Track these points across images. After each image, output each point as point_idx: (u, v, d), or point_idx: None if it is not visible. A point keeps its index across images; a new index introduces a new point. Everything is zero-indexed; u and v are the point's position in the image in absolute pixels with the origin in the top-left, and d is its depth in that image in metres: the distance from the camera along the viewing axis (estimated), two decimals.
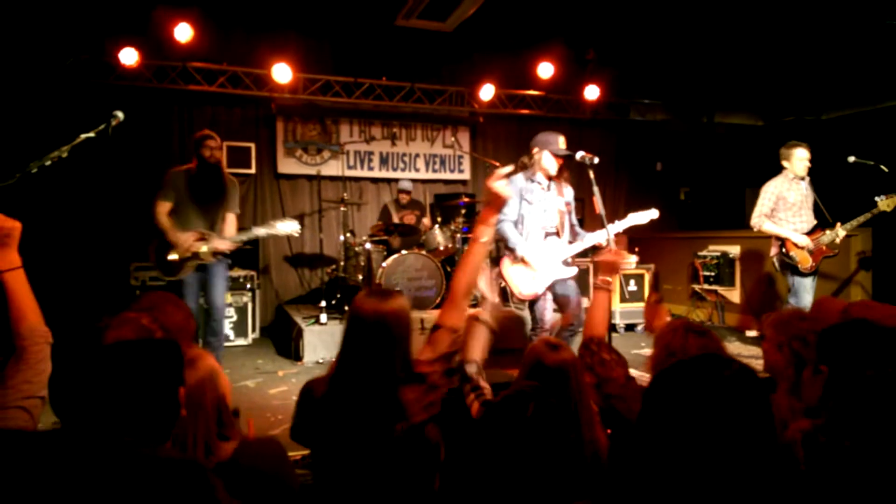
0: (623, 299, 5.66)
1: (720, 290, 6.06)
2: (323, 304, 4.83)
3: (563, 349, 1.57)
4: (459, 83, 6.43)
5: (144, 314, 1.37)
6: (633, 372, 1.70)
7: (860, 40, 5.42)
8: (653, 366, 1.60)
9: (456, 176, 6.76)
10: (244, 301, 5.24)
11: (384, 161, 6.47)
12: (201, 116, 5.78)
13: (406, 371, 1.50)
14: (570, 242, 3.42)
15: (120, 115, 2.91)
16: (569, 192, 3.48)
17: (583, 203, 6.17)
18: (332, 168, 6.11)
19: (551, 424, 1.12)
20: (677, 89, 7.18)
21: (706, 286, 6.14)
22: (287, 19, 5.78)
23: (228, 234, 3.57)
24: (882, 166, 3.94)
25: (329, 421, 1.47)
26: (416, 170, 6.55)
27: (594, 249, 3.50)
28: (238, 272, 5.32)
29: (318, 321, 4.69)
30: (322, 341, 4.54)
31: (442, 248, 5.15)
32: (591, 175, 3.06)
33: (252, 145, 6.00)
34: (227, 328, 5.19)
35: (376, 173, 6.45)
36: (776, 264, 4.07)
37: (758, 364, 1.50)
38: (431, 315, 4.18)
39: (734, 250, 6.06)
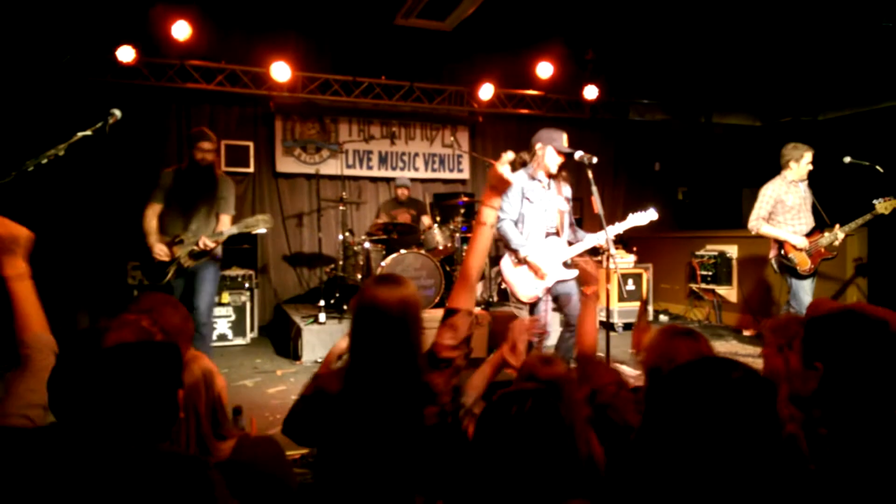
0: (621, 298, 5.67)
1: (717, 289, 6.08)
2: (322, 303, 4.82)
3: (555, 363, 1.59)
4: (459, 82, 6.43)
5: (144, 316, 1.37)
6: (628, 370, 1.71)
7: (857, 41, 5.44)
8: (645, 371, 1.60)
9: (455, 175, 6.76)
10: (242, 300, 5.23)
11: (383, 160, 6.46)
12: (199, 115, 5.77)
13: (430, 356, 1.52)
14: (570, 242, 3.39)
15: (117, 113, 2.90)
16: (567, 191, 3.44)
17: (581, 203, 6.19)
18: (331, 167, 6.10)
19: (549, 421, 1.12)
20: (676, 90, 7.20)
21: (704, 286, 6.16)
22: (286, 18, 5.76)
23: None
24: (878, 167, 3.94)
25: (351, 417, 1.42)
26: (416, 169, 6.55)
27: (594, 251, 3.48)
28: (236, 271, 5.32)
29: (316, 320, 4.68)
30: (321, 340, 4.53)
31: (441, 248, 5.15)
32: (590, 175, 3.06)
33: (250, 144, 5.98)
34: (226, 327, 5.18)
35: (375, 172, 6.45)
36: (775, 266, 4.05)
37: (755, 364, 1.50)
38: (431, 314, 4.17)
39: (732, 250, 6.07)
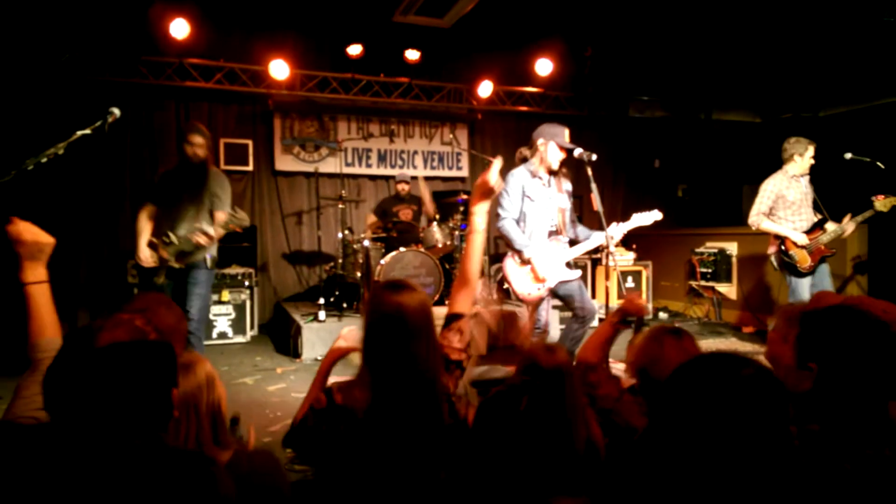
0: (620, 296, 5.67)
1: (717, 286, 6.08)
2: (321, 301, 4.82)
3: (558, 351, 1.59)
4: (458, 80, 6.42)
5: (138, 316, 1.37)
6: (619, 367, 1.72)
7: (857, 37, 5.42)
8: (632, 372, 1.60)
9: (454, 173, 6.76)
10: (242, 298, 5.23)
11: (382, 158, 6.46)
12: (198, 113, 5.76)
13: (444, 360, 1.52)
14: (572, 240, 3.35)
15: (116, 111, 2.90)
16: (568, 187, 3.39)
17: (581, 200, 6.18)
18: (330, 165, 6.10)
19: (544, 418, 1.13)
20: (675, 86, 7.18)
21: (703, 283, 6.16)
22: (284, 16, 5.75)
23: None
24: (878, 163, 3.93)
25: (381, 429, 1.36)
26: (415, 167, 6.54)
27: (595, 250, 3.46)
28: (236, 269, 5.32)
29: (316, 318, 4.69)
30: (320, 338, 4.54)
31: (440, 246, 5.15)
32: (590, 172, 3.05)
33: (249, 142, 5.98)
34: (226, 325, 5.19)
35: (374, 170, 6.44)
36: (774, 263, 4.02)
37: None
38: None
39: (731, 247, 6.07)
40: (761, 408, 0.85)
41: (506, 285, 3.38)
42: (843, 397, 1.08)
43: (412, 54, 5.94)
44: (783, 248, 3.91)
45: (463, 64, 6.40)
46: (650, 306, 5.89)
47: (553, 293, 3.30)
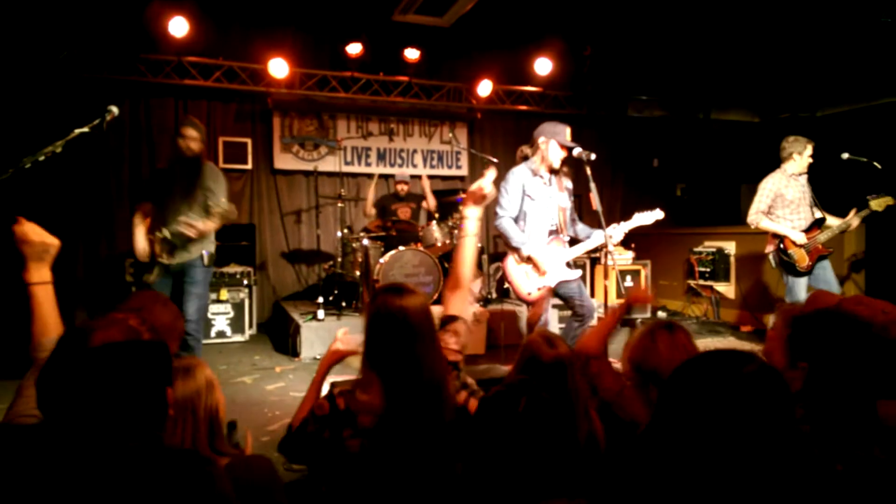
0: (619, 295, 5.68)
1: (715, 285, 6.09)
2: (320, 300, 4.82)
3: (558, 344, 1.59)
4: (457, 79, 6.42)
5: (132, 315, 1.37)
6: (619, 366, 1.72)
7: (855, 37, 5.43)
8: (626, 366, 1.61)
9: (454, 172, 6.76)
10: (241, 297, 5.23)
11: (381, 157, 6.46)
12: (197, 111, 5.74)
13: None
14: (573, 238, 3.34)
15: (115, 109, 2.89)
16: (568, 185, 3.37)
17: (580, 199, 6.18)
18: (329, 164, 6.09)
19: (543, 418, 1.13)
20: (674, 86, 7.19)
21: (702, 282, 6.17)
22: (284, 14, 5.74)
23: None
24: (875, 163, 3.94)
25: (393, 433, 1.35)
26: (414, 165, 6.54)
27: (594, 249, 3.45)
28: (235, 268, 5.32)
29: (315, 317, 4.68)
30: (319, 337, 4.54)
31: (439, 244, 5.15)
32: (588, 171, 3.06)
33: (248, 141, 5.97)
34: (224, 324, 5.18)
35: (374, 169, 6.43)
36: (772, 262, 4.02)
37: None
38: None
39: (730, 246, 6.08)
40: (764, 405, 0.85)
41: (506, 284, 3.37)
42: (832, 396, 1.09)
43: (412, 53, 5.94)
44: (782, 246, 3.91)
45: (462, 63, 6.40)
46: (648, 305, 5.89)
47: (553, 292, 3.30)
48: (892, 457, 0.99)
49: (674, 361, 1.45)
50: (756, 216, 3.97)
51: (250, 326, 5.33)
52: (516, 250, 3.22)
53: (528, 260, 3.19)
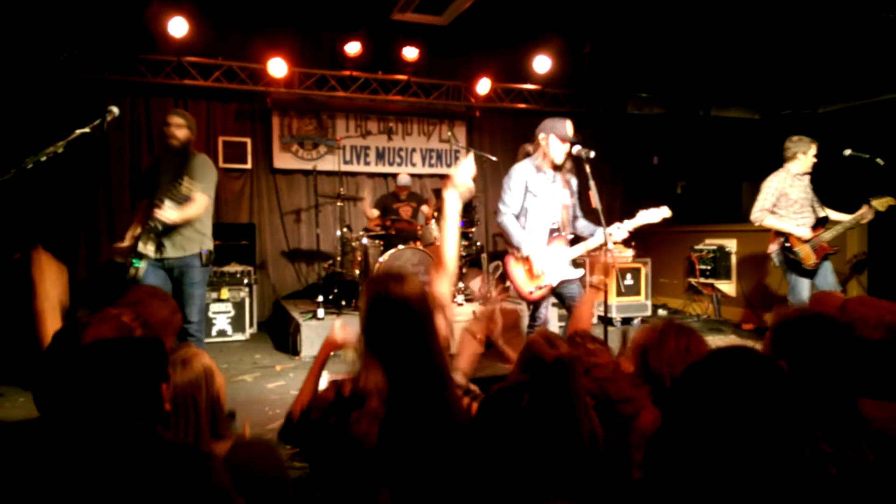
0: (619, 293, 5.68)
1: (716, 283, 6.09)
2: (320, 298, 4.83)
3: (560, 344, 1.59)
4: (456, 77, 6.41)
5: (127, 310, 1.37)
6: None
7: (857, 33, 5.41)
8: (636, 357, 1.61)
9: (453, 170, 6.75)
10: (241, 296, 5.24)
11: (380, 156, 6.46)
12: (197, 111, 5.75)
13: None
14: (575, 235, 3.31)
15: (115, 110, 2.90)
16: (573, 183, 3.33)
17: (579, 197, 6.17)
18: (329, 163, 6.10)
19: (547, 414, 1.13)
20: (674, 83, 7.17)
21: (702, 280, 6.17)
22: (283, 13, 5.75)
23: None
24: (878, 160, 3.92)
25: (402, 420, 1.35)
26: (413, 164, 6.54)
27: (595, 247, 3.44)
28: (235, 267, 5.33)
29: (315, 316, 4.69)
30: (319, 336, 4.54)
31: (438, 243, 5.15)
32: (588, 169, 3.05)
33: (248, 140, 5.98)
34: (225, 323, 5.19)
35: (373, 168, 6.44)
36: (775, 260, 3.98)
37: None
38: None
39: (731, 244, 6.07)
40: (773, 403, 0.85)
41: (507, 282, 3.36)
42: (810, 394, 1.09)
43: (410, 52, 5.93)
44: (787, 244, 3.88)
45: (461, 61, 6.39)
46: (649, 303, 5.88)
47: (556, 293, 3.27)
48: (877, 457, 0.99)
49: (681, 364, 1.46)
50: (761, 213, 3.93)
51: (251, 325, 5.34)
52: (517, 249, 3.20)
53: (526, 260, 3.17)
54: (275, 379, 3.94)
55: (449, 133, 6.53)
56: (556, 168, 3.24)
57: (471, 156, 1.97)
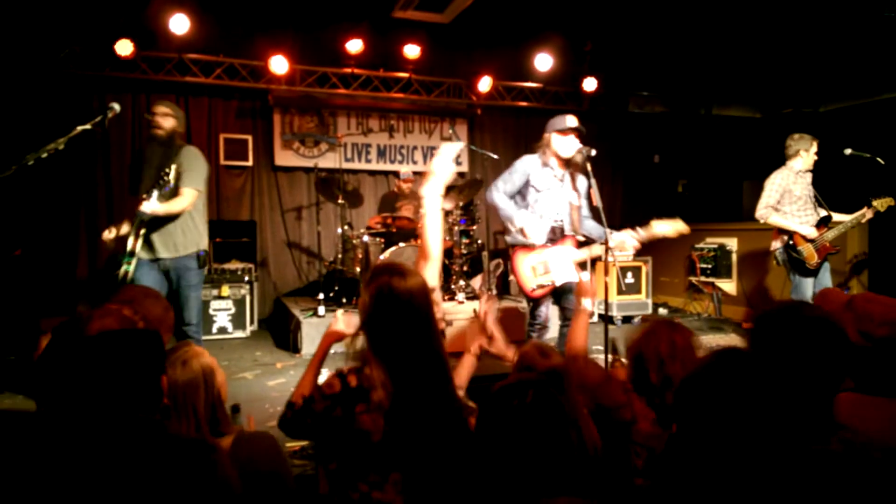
0: (620, 292, 5.68)
1: (717, 282, 6.09)
2: (321, 296, 4.84)
3: (553, 354, 1.61)
4: (457, 75, 6.40)
5: (125, 306, 1.39)
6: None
7: (858, 32, 5.41)
8: (630, 358, 1.62)
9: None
10: (242, 293, 5.24)
11: (382, 153, 6.45)
12: (198, 108, 5.76)
13: None
14: (584, 236, 3.30)
15: (116, 107, 2.90)
16: (582, 184, 3.29)
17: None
18: (330, 160, 6.09)
19: (552, 410, 1.13)
20: (675, 82, 7.17)
21: (703, 278, 6.17)
22: (284, 11, 5.74)
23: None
24: (878, 159, 3.93)
25: (406, 411, 1.36)
26: (414, 162, 6.54)
27: (590, 241, 3.44)
28: (236, 265, 5.33)
29: (315, 313, 4.70)
30: (320, 333, 4.51)
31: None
32: (589, 167, 3.05)
33: (249, 137, 5.98)
34: (226, 320, 5.20)
35: (374, 165, 6.44)
36: (778, 259, 3.98)
37: None
38: None
39: (731, 243, 6.08)
40: (774, 405, 0.87)
41: (511, 277, 3.35)
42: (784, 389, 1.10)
43: (412, 49, 5.93)
44: (791, 243, 3.87)
45: (462, 59, 6.38)
46: (649, 302, 5.89)
47: (555, 293, 3.25)
48: (847, 451, 0.99)
49: (670, 358, 1.46)
50: (766, 210, 3.92)
51: (251, 322, 5.35)
52: (509, 221, 3.15)
53: (521, 232, 3.12)
54: (275, 376, 3.95)
55: (450, 131, 6.52)
56: (566, 166, 3.22)
57: (454, 143, 2.06)
